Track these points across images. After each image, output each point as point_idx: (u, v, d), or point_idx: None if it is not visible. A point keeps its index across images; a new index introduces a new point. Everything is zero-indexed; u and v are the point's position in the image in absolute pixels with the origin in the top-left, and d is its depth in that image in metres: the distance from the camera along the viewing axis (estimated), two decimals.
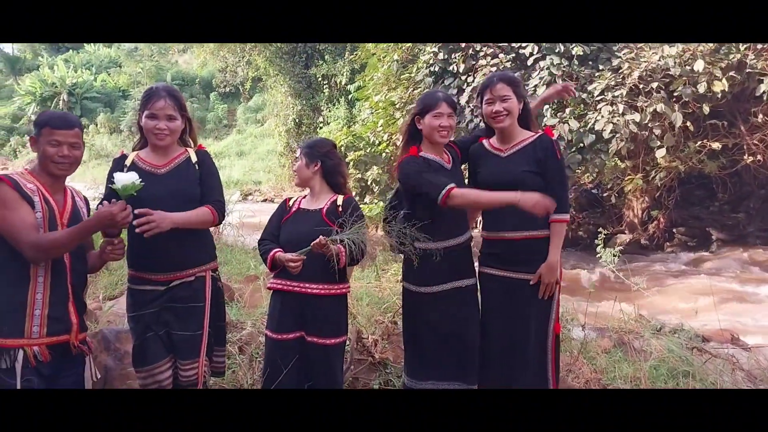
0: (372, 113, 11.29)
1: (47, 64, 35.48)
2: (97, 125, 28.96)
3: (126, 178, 2.44)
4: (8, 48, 42.92)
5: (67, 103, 29.82)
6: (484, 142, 3.12)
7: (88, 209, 2.69)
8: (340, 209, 2.95)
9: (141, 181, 2.47)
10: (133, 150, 2.91)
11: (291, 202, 3.09)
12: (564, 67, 8.11)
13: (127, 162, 2.79)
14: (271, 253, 2.89)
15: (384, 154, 10.48)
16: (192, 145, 2.95)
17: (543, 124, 8.14)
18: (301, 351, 2.88)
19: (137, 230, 2.51)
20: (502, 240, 2.97)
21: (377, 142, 10.55)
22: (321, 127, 17.78)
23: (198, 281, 2.82)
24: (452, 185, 2.79)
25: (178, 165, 2.83)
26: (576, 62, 8.14)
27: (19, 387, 2.29)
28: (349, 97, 16.94)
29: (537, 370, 2.95)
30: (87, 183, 14.19)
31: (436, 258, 2.91)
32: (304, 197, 3.10)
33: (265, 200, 17.72)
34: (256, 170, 21.56)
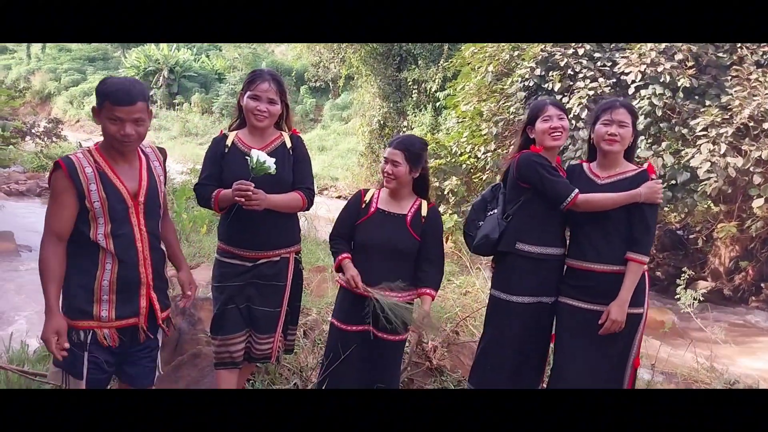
0: (458, 123, 11.18)
1: None
2: (191, 104, 30.15)
3: (266, 160, 2.58)
4: None
5: (167, 80, 31.19)
6: (584, 164, 3.08)
7: (164, 164, 2.55)
8: (424, 220, 2.93)
9: (275, 170, 2.63)
10: (230, 129, 3.00)
11: (367, 198, 2.97)
12: (667, 98, 7.71)
13: (228, 142, 2.89)
14: (340, 257, 2.90)
15: (464, 166, 10.36)
16: (287, 130, 3.01)
17: (635, 156, 7.82)
18: (366, 343, 2.89)
19: (235, 193, 2.60)
20: (584, 270, 2.89)
21: (459, 152, 10.43)
22: (404, 131, 17.81)
23: (282, 261, 2.92)
24: (577, 190, 2.82)
25: (274, 149, 2.89)
26: (681, 94, 7.72)
27: (86, 361, 2.28)
28: (437, 104, 16.88)
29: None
30: (176, 158, 14.75)
31: (531, 265, 2.93)
32: (379, 193, 3.00)
33: (339, 197, 17.90)
34: (335, 167, 21.77)
